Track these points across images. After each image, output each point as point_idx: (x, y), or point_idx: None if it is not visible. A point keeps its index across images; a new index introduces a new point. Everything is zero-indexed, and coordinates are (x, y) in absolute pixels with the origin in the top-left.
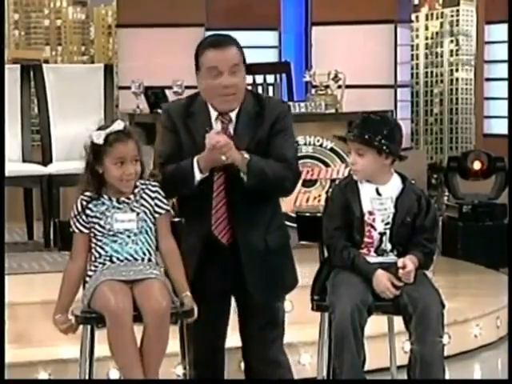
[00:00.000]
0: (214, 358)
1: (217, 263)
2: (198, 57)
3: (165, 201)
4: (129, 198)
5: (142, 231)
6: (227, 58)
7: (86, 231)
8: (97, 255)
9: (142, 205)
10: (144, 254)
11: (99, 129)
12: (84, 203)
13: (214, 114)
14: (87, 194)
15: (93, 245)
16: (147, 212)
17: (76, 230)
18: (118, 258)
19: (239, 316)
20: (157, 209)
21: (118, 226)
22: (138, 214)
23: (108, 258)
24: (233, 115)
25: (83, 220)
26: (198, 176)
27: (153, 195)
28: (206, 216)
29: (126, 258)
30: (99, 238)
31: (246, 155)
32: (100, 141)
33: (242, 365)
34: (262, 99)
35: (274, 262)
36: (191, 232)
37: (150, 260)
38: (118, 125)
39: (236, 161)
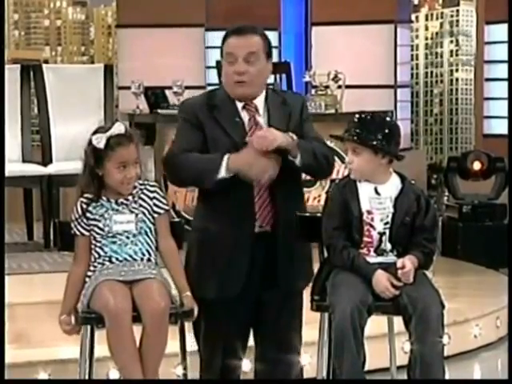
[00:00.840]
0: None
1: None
2: (222, 45)
3: (163, 201)
4: (127, 200)
5: (141, 232)
6: (245, 44)
7: (87, 234)
8: (96, 256)
9: (141, 205)
10: (143, 254)
11: (97, 131)
12: (84, 206)
13: (240, 103)
14: (87, 196)
15: (92, 246)
16: (146, 212)
17: (78, 233)
18: (116, 259)
19: (259, 317)
20: (155, 209)
21: (117, 228)
22: (136, 215)
23: (107, 259)
24: (259, 105)
25: (84, 223)
26: (222, 173)
27: (151, 195)
28: (248, 205)
29: (125, 259)
30: (98, 239)
31: (294, 136)
32: (101, 145)
33: (242, 364)
34: (279, 91)
35: (302, 248)
36: (228, 225)
37: (149, 260)
38: (119, 127)
39: (287, 143)
